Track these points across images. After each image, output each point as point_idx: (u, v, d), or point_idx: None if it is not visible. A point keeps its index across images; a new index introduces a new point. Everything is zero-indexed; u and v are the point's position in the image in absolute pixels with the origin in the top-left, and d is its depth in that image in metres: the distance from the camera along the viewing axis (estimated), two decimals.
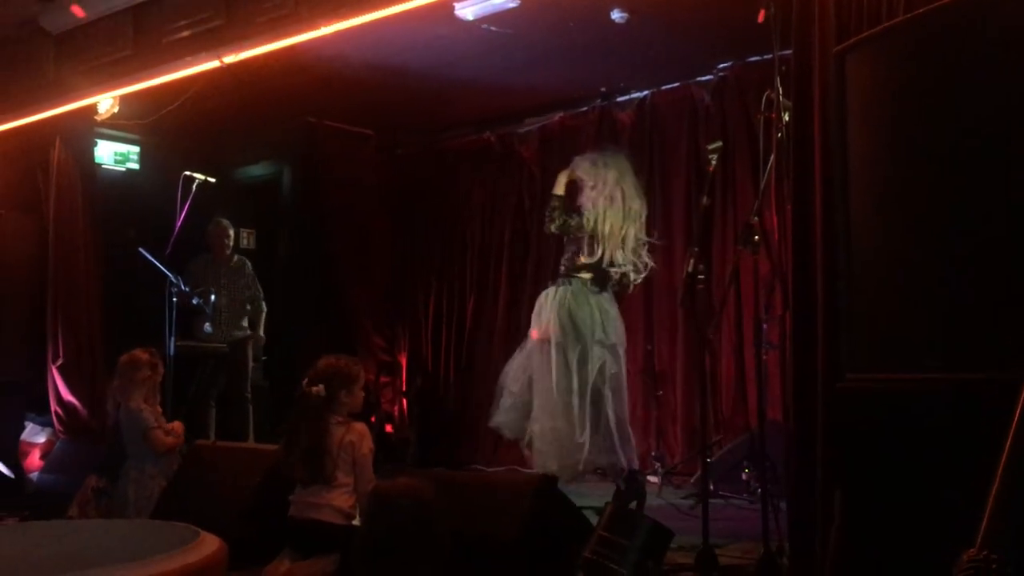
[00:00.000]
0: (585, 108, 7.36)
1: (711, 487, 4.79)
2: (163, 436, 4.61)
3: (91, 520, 4.38)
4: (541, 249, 7.59)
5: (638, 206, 5.15)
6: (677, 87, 6.89)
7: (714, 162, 4.08)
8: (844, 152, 2.96)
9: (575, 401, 4.84)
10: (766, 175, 3.70)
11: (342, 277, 8.11)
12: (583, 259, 5.05)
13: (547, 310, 5.04)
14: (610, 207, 5.03)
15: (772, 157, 3.64)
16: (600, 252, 5.01)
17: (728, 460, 5.55)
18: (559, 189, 5.20)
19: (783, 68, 3.59)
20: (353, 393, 3.92)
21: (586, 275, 5.05)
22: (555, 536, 3.33)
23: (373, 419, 6.05)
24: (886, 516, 2.75)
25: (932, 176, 2.67)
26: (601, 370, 4.91)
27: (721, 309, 5.78)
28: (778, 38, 3.62)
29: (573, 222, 5.07)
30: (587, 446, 4.79)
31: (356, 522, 3.70)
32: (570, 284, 5.05)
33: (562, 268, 5.18)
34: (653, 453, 6.30)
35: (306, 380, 3.84)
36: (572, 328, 4.93)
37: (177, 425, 4.73)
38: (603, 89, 7.12)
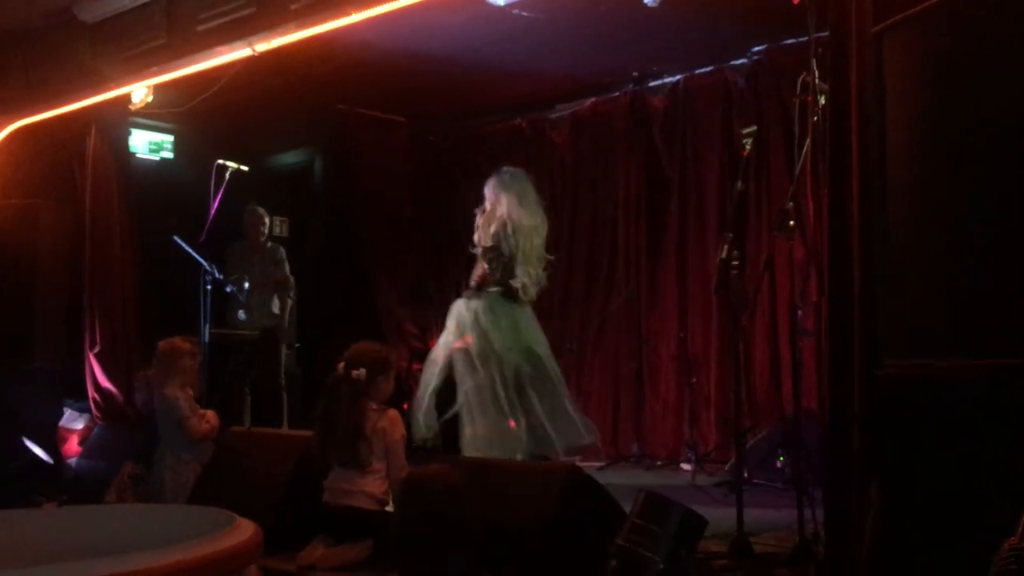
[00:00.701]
0: (617, 93, 7.30)
1: (745, 475, 4.75)
2: (198, 424, 4.65)
3: (128, 505, 4.44)
4: (573, 234, 7.57)
5: (539, 223, 5.48)
6: (711, 71, 6.82)
7: (748, 147, 4.03)
8: (882, 135, 2.91)
9: (502, 395, 5.17)
10: (801, 159, 3.65)
11: (374, 264, 8.13)
12: (491, 277, 5.39)
13: (465, 323, 5.34)
14: (516, 226, 5.35)
15: (808, 141, 3.59)
16: (506, 269, 5.37)
17: (762, 448, 5.51)
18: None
19: (819, 50, 3.53)
20: (389, 380, 3.96)
21: (495, 290, 5.39)
22: (587, 523, 3.32)
23: (406, 406, 6.08)
24: (924, 504, 2.72)
25: (973, 159, 2.62)
26: (519, 373, 5.25)
27: (755, 296, 5.73)
28: (814, 19, 3.56)
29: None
30: (524, 436, 5.16)
31: (389, 508, 3.72)
32: (480, 298, 5.38)
33: (473, 284, 5.48)
34: (686, 440, 6.27)
35: (343, 364, 3.85)
36: (486, 340, 5.26)
37: (211, 414, 4.76)
38: (635, 74, 7.06)
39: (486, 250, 5.43)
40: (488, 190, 5.53)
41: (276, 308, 7.03)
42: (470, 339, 5.29)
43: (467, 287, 5.57)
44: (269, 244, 7.15)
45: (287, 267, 7.12)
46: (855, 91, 3.31)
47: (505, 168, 5.72)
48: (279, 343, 7.00)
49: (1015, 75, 2.50)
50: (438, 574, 2.29)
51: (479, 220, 5.51)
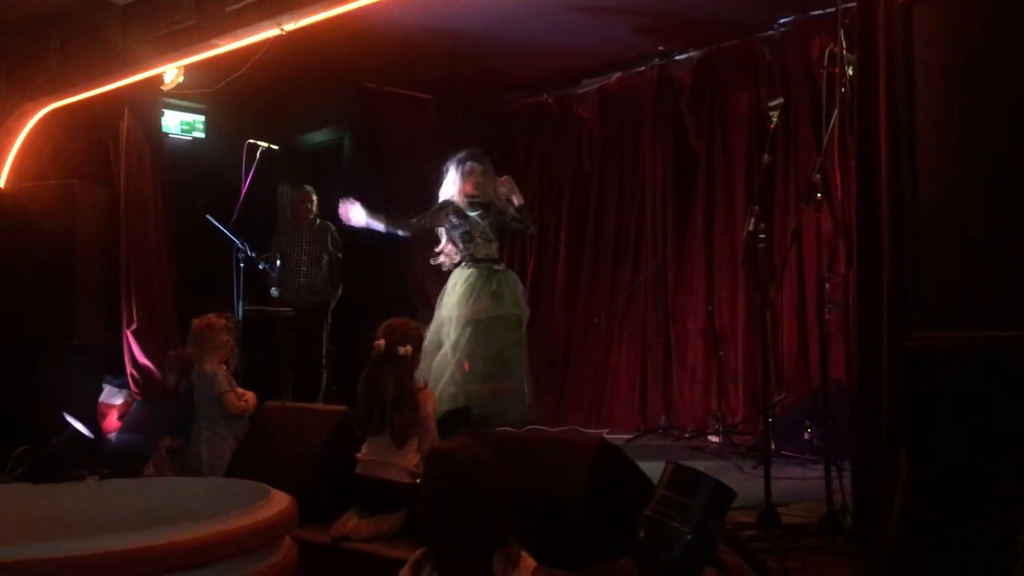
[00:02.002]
0: (643, 67, 7.26)
1: (773, 446, 4.77)
2: (236, 399, 4.73)
3: (166, 478, 4.53)
4: (601, 209, 7.57)
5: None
6: (737, 44, 6.76)
7: (775, 119, 4.01)
8: (911, 107, 2.90)
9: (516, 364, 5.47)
10: (829, 132, 3.63)
11: (404, 241, 8.17)
12: (486, 250, 5.62)
13: (476, 291, 5.49)
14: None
15: (835, 113, 3.58)
16: (497, 239, 5.70)
17: (790, 419, 5.51)
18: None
19: (847, 21, 3.51)
20: (419, 354, 4.02)
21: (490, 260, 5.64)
22: (617, 495, 3.35)
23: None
24: (953, 476, 2.73)
25: (1004, 129, 2.60)
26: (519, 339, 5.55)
27: (783, 268, 5.72)
28: None
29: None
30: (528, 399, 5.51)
31: (420, 481, 3.77)
32: (478, 268, 5.57)
33: (469, 256, 5.61)
34: (714, 412, 6.29)
35: (383, 340, 3.88)
36: (495, 306, 5.48)
37: (250, 395, 4.82)
38: (661, 48, 7.01)
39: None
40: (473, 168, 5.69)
41: (326, 285, 7.10)
42: (482, 306, 5.48)
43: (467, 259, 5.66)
44: (318, 221, 7.21)
45: (340, 244, 7.19)
46: (883, 63, 3.29)
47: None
48: (324, 321, 7.09)
49: None
50: (465, 546, 2.33)
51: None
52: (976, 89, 2.68)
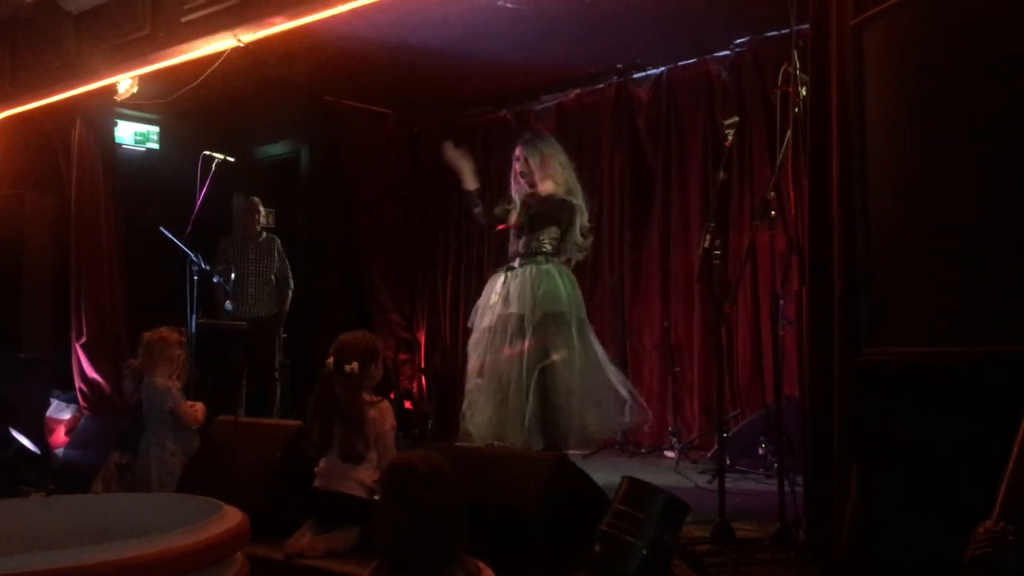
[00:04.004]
0: (602, 84, 7.34)
1: (728, 462, 4.81)
2: (190, 409, 4.66)
3: (115, 494, 4.45)
4: None
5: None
6: (694, 63, 6.86)
7: (731, 137, 4.06)
8: (862, 126, 2.95)
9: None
10: (783, 150, 3.69)
11: (361, 255, 8.15)
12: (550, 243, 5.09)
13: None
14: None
15: (789, 131, 3.63)
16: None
17: (745, 435, 5.57)
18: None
19: (800, 42, 3.57)
20: (379, 366, 3.99)
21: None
22: (572, 509, 3.36)
23: (392, 395, 6.10)
24: (903, 490, 2.76)
25: (951, 147, 2.65)
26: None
27: (738, 284, 5.75)
28: (795, 12, 3.60)
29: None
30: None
31: (377, 497, 3.74)
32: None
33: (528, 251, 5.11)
34: (670, 428, 6.32)
35: (332, 359, 3.86)
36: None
37: (200, 406, 4.77)
38: (619, 65, 7.09)
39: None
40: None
41: (273, 299, 7.03)
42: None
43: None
44: (264, 235, 7.15)
45: (287, 261, 7.12)
46: (835, 82, 3.36)
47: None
48: (275, 334, 7.01)
49: (995, 62, 2.53)
50: (425, 559, 2.31)
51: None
52: (924, 107, 2.73)
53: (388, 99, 8.03)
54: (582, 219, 5.14)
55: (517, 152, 5.16)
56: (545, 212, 5.04)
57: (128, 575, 2.01)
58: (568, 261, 5.18)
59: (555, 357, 4.84)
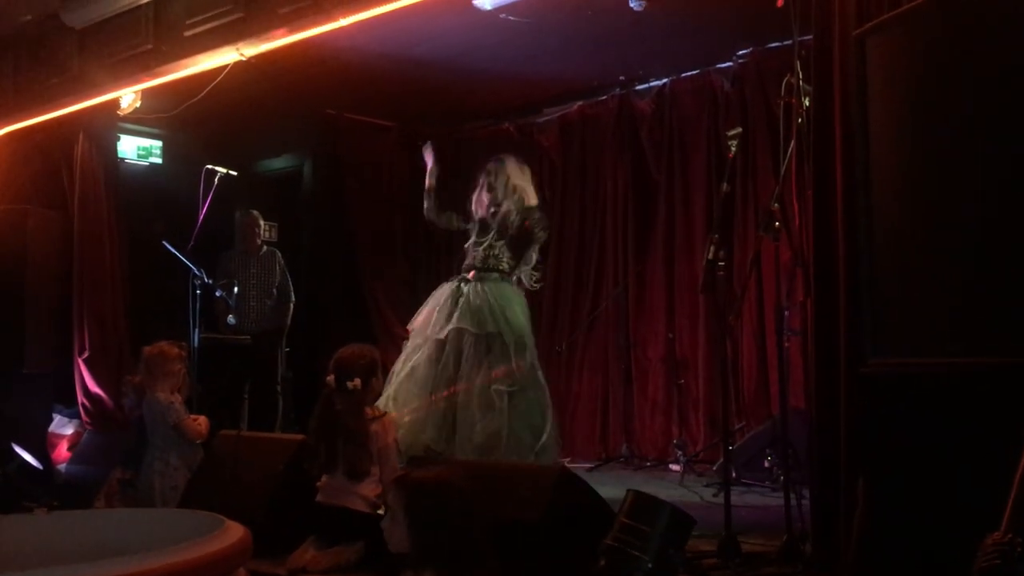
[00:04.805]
0: (604, 97, 7.34)
1: (733, 474, 4.78)
2: (193, 423, 4.65)
3: (117, 510, 4.43)
4: (562, 237, 7.59)
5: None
6: (696, 74, 6.86)
7: (734, 149, 4.05)
8: (865, 136, 2.94)
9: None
10: (786, 161, 3.68)
11: (364, 268, 8.14)
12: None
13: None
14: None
15: (792, 142, 3.62)
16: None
17: (750, 447, 5.54)
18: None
19: (803, 53, 3.57)
20: (380, 378, 3.98)
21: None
22: (577, 522, 3.34)
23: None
24: (910, 502, 2.75)
25: (955, 158, 2.65)
26: None
27: (742, 296, 5.77)
28: (797, 23, 3.59)
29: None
30: None
31: (381, 511, 3.72)
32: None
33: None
34: (675, 441, 6.30)
35: (332, 376, 3.85)
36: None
37: (203, 419, 4.76)
38: (622, 77, 7.10)
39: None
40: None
41: (275, 312, 7.02)
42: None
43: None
44: (265, 248, 7.15)
45: (287, 275, 7.12)
46: (838, 93, 3.35)
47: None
48: (277, 348, 7.00)
49: (999, 72, 2.53)
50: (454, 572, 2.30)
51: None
52: (927, 118, 2.73)
53: (390, 112, 8.03)
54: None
55: (488, 167, 5.44)
56: (522, 231, 5.28)
57: None
58: (519, 283, 5.37)
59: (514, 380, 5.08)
